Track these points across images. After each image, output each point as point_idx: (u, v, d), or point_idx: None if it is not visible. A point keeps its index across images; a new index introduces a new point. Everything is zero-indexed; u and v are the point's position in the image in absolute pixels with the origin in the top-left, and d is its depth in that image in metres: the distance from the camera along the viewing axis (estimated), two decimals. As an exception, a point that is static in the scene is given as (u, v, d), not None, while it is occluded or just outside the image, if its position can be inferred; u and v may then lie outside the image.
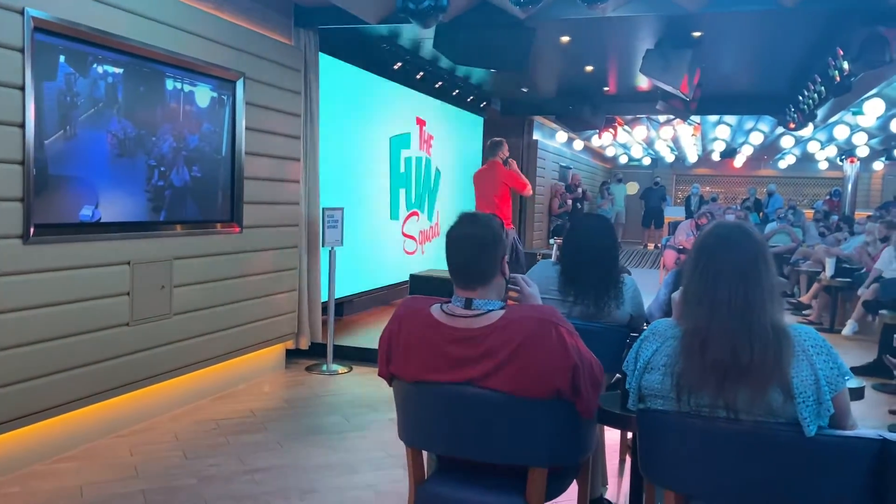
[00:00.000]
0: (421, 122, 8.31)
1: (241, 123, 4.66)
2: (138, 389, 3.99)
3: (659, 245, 15.77)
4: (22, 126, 3.17)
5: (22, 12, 3.14)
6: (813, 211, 14.62)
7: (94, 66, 3.56)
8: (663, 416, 1.87)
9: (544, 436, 2.08)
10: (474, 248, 2.11)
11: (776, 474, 1.71)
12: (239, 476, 3.48)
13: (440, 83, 8.14)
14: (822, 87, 6.02)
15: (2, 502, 3.09)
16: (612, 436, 3.59)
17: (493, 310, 2.09)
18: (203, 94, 4.35)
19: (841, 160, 15.45)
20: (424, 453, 2.32)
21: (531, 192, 7.60)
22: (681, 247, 9.43)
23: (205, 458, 3.67)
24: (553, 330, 2.02)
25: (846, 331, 7.20)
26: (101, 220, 3.65)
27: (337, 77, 6.29)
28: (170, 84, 4.06)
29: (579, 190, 13.77)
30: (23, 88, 3.16)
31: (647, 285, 3.56)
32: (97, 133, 3.61)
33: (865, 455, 1.69)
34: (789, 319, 1.89)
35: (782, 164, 18.69)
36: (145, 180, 3.94)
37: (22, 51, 3.15)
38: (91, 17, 3.49)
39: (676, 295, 2.16)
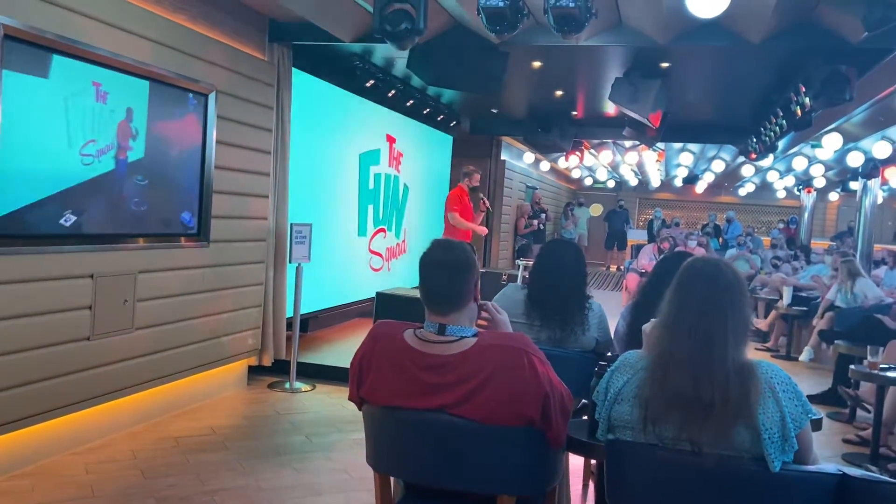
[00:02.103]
0: (391, 140, 8.33)
1: (212, 137, 4.61)
2: (97, 405, 3.89)
3: (621, 267, 16.00)
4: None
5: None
6: (770, 238, 15.01)
7: (65, 74, 3.49)
8: (631, 446, 1.90)
9: (514, 464, 2.09)
10: (448, 274, 2.12)
11: (741, 507, 1.75)
12: (198, 497, 3.41)
13: (411, 101, 8.17)
14: (784, 121, 6.21)
15: (-51, 522, 2.98)
16: (575, 461, 3.61)
17: (466, 336, 2.10)
18: (174, 107, 4.30)
19: (798, 190, 15.89)
20: (392, 479, 2.31)
21: (457, 223, 7.43)
22: (643, 270, 9.58)
23: (163, 478, 3.59)
24: (525, 358, 2.04)
25: (803, 357, 7.38)
26: (66, 232, 3.56)
27: (309, 92, 6.28)
28: (140, 95, 4.00)
29: (543, 216, 13.91)
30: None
31: (609, 308, 3.60)
32: (67, 142, 3.54)
33: (826, 489, 1.74)
34: (748, 346, 1.94)
35: (742, 192, 19.17)
36: (113, 192, 3.86)
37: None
38: (62, 26, 3.43)
39: (647, 326, 2.20)
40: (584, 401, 3.01)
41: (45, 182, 3.48)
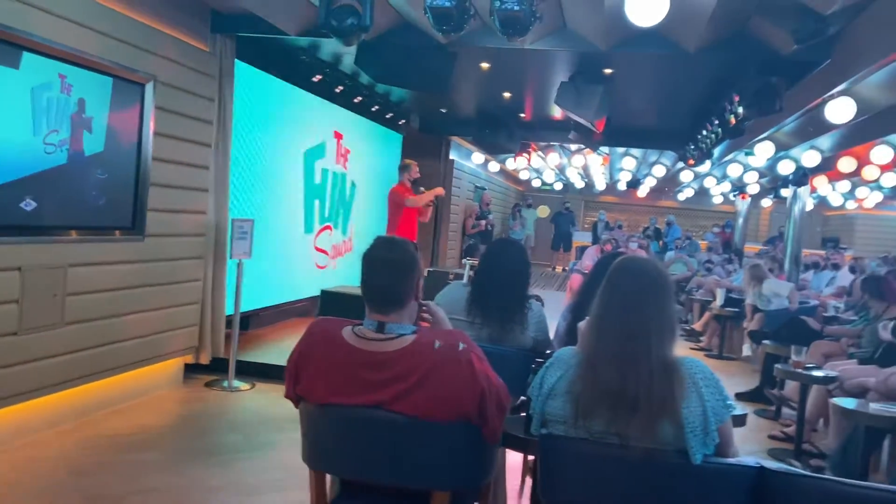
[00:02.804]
0: (338, 136, 8.27)
1: (149, 128, 4.50)
2: (24, 402, 3.75)
3: (567, 268, 16.25)
4: None
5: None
6: (707, 242, 15.47)
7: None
8: (563, 441, 1.94)
9: (449, 459, 2.11)
10: (392, 272, 2.12)
11: (665, 499, 1.81)
12: (129, 497, 3.32)
13: (359, 98, 8.13)
14: (719, 129, 6.41)
15: None
16: (513, 458, 3.66)
17: (405, 334, 2.10)
18: (108, 96, 4.17)
19: (734, 196, 16.45)
20: (328, 476, 2.30)
21: (419, 202, 7.20)
22: (587, 271, 9.75)
23: (93, 476, 3.49)
24: (463, 355, 2.06)
25: (746, 352, 7.69)
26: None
27: (254, 85, 6.18)
28: (71, 83, 3.87)
29: (490, 216, 14.03)
30: None
31: (554, 307, 3.68)
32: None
33: (745, 481, 1.81)
34: (683, 345, 2.00)
35: (681, 196, 19.71)
36: (42, 181, 3.73)
37: None
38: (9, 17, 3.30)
39: (582, 324, 2.25)
40: (522, 398, 3.05)
41: (10, 167, 3.41)
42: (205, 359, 5.44)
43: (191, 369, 5.41)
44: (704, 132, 7.20)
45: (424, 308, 2.33)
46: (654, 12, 3.79)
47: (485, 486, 2.38)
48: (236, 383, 5.33)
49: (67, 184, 3.91)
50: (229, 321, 5.52)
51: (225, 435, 4.32)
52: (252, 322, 6.86)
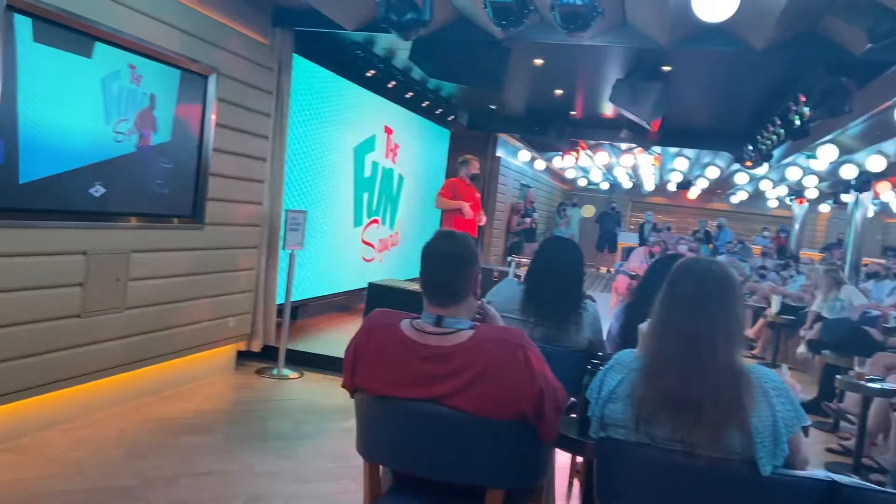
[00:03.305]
0: (388, 131, 8.31)
1: (211, 119, 4.59)
2: (86, 383, 3.87)
3: (612, 269, 16.05)
4: (-14, 104, 3.06)
5: (-6, -12, 3.04)
6: (760, 247, 15.07)
7: (67, 48, 3.46)
8: (622, 445, 1.90)
9: (504, 458, 2.10)
10: (450, 266, 2.12)
11: (731, 510, 1.76)
12: (183, 478, 3.40)
13: (411, 93, 8.15)
14: (782, 130, 6.23)
15: (-68, 494, 2.96)
16: (560, 459, 3.62)
17: (463, 329, 2.10)
18: (175, 87, 4.26)
19: (790, 200, 16.00)
20: (381, 468, 2.31)
21: (442, 205, 7.13)
22: (633, 273, 9.62)
23: (149, 458, 3.58)
24: (521, 353, 2.04)
25: (801, 349, 7.44)
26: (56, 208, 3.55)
27: (309, 79, 6.25)
28: (141, 74, 3.97)
29: (535, 214, 13.93)
30: (-11, 66, 3.06)
31: (600, 308, 3.62)
32: (67, 116, 3.51)
33: (815, 495, 1.75)
34: None
35: (734, 199, 19.26)
36: (111, 168, 3.83)
37: (-9, 27, 3.05)
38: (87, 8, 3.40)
39: (643, 326, 2.21)
40: (572, 399, 3.02)
41: (82, 153, 3.58)
42: (256, 346, 5.54)
43: (243, 356, 5.51)
44: (765, 133, 7.01)
45: (479, 307, 2.33)
46: (723, 8, 3.69)
47: (538, 486, 2.37)
48: (286, 371, 5.41)
49: (134, 171, 4.01)
50: (280, 310, 5.60)
51: (275, 422, 4.39)
52: (301, 312, 6.95)
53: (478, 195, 7.45)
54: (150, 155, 4.12)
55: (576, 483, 3.68)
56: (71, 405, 3.86)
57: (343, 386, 2.26)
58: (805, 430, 2.62)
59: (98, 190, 3.76)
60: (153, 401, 4.47)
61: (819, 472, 1.82)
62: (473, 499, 2.12)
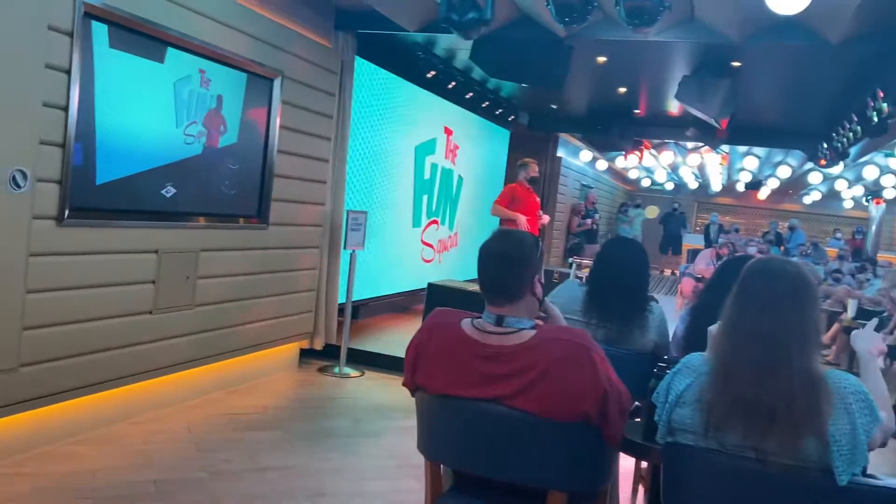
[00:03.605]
0: (448, 132, 8.33)
1: (276, 121, 4.68)
2: (156, 378, 4.00)
3: (676, 272, 15.67)
4: (65, 109, 3.20)
5: (73, -3, 3.17)
6: (836, 249, 14.46)
7: (142, 54, 3.59)
8: (691, 451, 1.84)
9: (568, 460, 2.06)
10: (505, 265, 2.10)
11: (806, 521, 1.68)
12: (249, 473, 3.47)
13: (470, 94, 8.15)
14: (858, 127, 5.96)
15: (16, 482, 3.10)
16: (625, 464, 3.55)
17: (524, 328, 2.07)
18: (242, 91, 4.37)
19: (867, 200, 15.29)
20: (442, 467, 2.31)
21: (497, 213, 6.94)
22: (699, 275, 9.36)
23: (216, 452, 3.67)
24: (585, 354, 2.00)
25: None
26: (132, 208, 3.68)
27: (370, 80, 6.32)
28: (210, 78, 4.08)
29: (596, 215, 13.71)
30: (69, 72, 3.19)
31: (665, 311, 3.53)
32: (140, 119, 3.64)
33: (896, 507, 1.66)
34: None
35: (807, 200, 18.54)
36: (182, 169, 3.96)
37: (71, 34, 3.18)
38: (139, 5, 3.52)
39: (713, 328, 2.13)
40: (636, 403, 2.96)
41: (154, 155, 3.74)
42: (319, 345, 5.63)
43: (305, 354, 5.61)
44: (841, 130, 6.72)
45: (543, 307, 2.30)
46: (797, 0, 3.55)
47: (601, 491, 2.32)
48: (347, 370, 5.48)
49: (203, 173, 4.13)
50: (341, 309, 5.67)
51: (337, 420, 4.44)
52: (361, 312, 7.04)
53: (537, 199, 7.36)
54: (217, 156, 4.23)
55: (640, 489, 3.60)
56: (142, 399, 4.00)
57: (404, 384, 2.27)
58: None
59: (169, 191, 3.88)
60: (220, 396, 4.59)
61: (900, 483, 1.72)
62: (535, 500, 2.10)
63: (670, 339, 3.33)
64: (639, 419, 2.61)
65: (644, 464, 3.31)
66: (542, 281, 2.21)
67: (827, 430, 1.64)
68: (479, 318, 2.14)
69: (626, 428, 2.23)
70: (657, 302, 3.39)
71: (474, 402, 2.07)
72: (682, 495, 1.90)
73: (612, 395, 2.01)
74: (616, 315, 3.10)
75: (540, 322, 2.27)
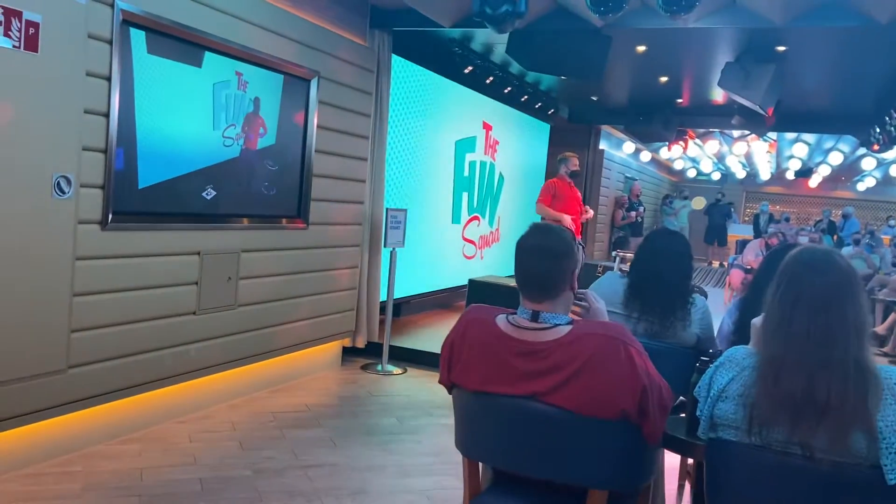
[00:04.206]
0: (487, 127, 8.29)
1: (314, 121, 4.72)
2: (201, 378, 4.07)
3: (724, 263, 15.31)
4: (106, 116, 3.27)
5: (112, 4, 3.24)
6: (889, 237, 13.93)
7: (179, 59, 3.65)
8: (735, 447, 1.78)
9: (607, 457, 2.02)
10: (544, 259, 2.06)
11: (855, 520, 1.61)
12: (293, 470, 3.51)
13: (509, 88, 8.10)
14: (913, 108, 5.72)
15: (65, 480, 3.19)
16: (671, 460, 3.47)
17: (560, 324, 2.04)
18: (279, 92, 4.42)
19: (925, 185, 14.71)
20: (480, 465, 2.28)
21: (542, 213, 6.82)
22: (748, 266, 9.13)
23: (260, 450, 3.72)
24: (622, 349, 1.96)
25: None
26: (175, 211, 3.75)
27: (407, 78, 6.32)
28: (247, 80, 4.13)
29: (641, 208, 13.48)
30: (109, 79, 3.27)
31: (712, 304, 3.43)
32: (179, 123, 3.71)
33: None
34: None
35: (861, 187, 17.90)
36: (221, 171, 4.02)
37: (110, 42, 3.26)
38: (175, 11, 3.58)
39: (757, 321, 2.06)
40: (681, 398, 2.88)
41: (194, 158, 3.82)
42: (361, 343, 5.66)
43: (348, 352, 5.65)
44: (893, 113, 6.46)
45: (581, 295, 2.25)
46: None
47: (644, 488, 2.27)
48: (389, 367, 5.50)
49: (242, 174, 4.19)
50: (383, 307, 5.70)
51: (380, 417, 4.46)
52: (403, 309, 7.06)
53: (579, 193, 7.26)
54: (256, 158, 4.28)
55: (686, 486, 3.52)
56: (187, 399, 4.07)
57: (440, 382, 2.26)
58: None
59: (209, 193, 3.95)
60: (264, 395, 4.65)
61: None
62: (575, 498, 2.06)
63: (717, 334, 3.25)
64: (683, 415, 2.54)
65: (691, 460, 3.23)
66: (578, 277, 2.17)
67: (875, 425, 1.56)
68: (514, 313, 2.11)
69: (669, 424, 2.17)
70: (705, 294, 3.31)
71: (511, 398, 2.04)
72: (724, 492, 1.84)
73: (651, 391, 1.96)
74: (657, 308, 3.03)
75: (576, 317, 2.23)
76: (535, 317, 2.05)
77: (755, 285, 3.03)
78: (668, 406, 2.05)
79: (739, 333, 2.95)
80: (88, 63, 3.17)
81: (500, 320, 2.11)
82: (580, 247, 7.14)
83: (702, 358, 2.45)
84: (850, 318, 1.65)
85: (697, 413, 1.91)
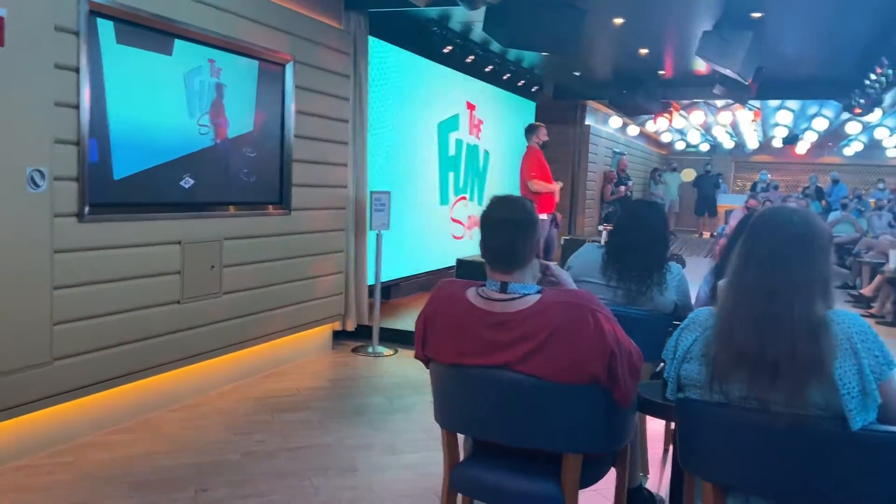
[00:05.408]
0: (471, 107, 8.27)
1: (291, 107, 4.71)
2: (189, 366, 4.10)
3: (714, 234, 15.37)
4: (77, 108, 3.27)
5: (78, -4, 3.23)
6: (875, 200, 14.00)
7: (149, 48, 3.64)
8: (700, 405, 1.82)
9: (580, 422, 2.06)
10: (510, 231, 2.09)
11: (818, 469, 1.65)
12: (282, 452, 3.55)
13: (491, 67, 8.07)
14: (890, 70, 5.73)
15: (58, 470, 3.22)
16: (657, 425, 3.52)
17: (528, 294, 2.07)
18: (254, 78, 4.40)
19: (911, 147, 14.73)
20: (460, 436, 2.32)
21: (540, 188, 7.03)
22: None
23: (251, 435, 3.76)
24: (590, 316, 1.99)
25: None
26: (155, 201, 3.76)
27: (386, 61, 6.30)
28: (220, 67, 4.12)
29: (630, 182, 13.50)
30: (78, 70, 3.26)
31: (701, 275, 3.48)
32: (153, 113, 3.70)
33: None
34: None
35: (848, 152, 17.93)
36: (198, 160, 4.02)
37: (77, 33, 3.24)
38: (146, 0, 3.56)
39: (722, 283, 2.09)
40: (662, 363, 2.92)
41: (170, 147, 3.82)
42: (351, 326, 5.69)
43: (338, 336, 5.68)
44: (873, 76, 6.47)
45: (549, 272, 2.29)
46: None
47: (621, 451, 2.31)
48: (380, 349, 5.53)
49: (220, 162, 4.19)
50: (372, 291, 5.72)
51: (370, 397, 4.50)
52: (393, 292, 7.08)
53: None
54: (233, 145, 4.28)
55: (671, 449, 3.57)
56: (177, 387, 4.10)
57: (416, 357, 2.29)
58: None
59: (188, 182, 3.95)
60: (254, 381, 4.68)
61: (922, 428, 1.67)
62: (553, 464, 2.10)
63: (694, 301, 3.29)
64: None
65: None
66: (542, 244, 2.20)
67: (832, 374, 1.59)
68: (484, 286, 2.14)
69: (646, 388, 2.21)
70: (684, 263, 3.34)
71: (484, 369, 2.08)
72: (694, 450, 1.88)
73: (620, 355, 1.99)
74: (634, 275, 3.08)
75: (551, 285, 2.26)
76: (503, 288, 2.08)
77: (727, 252, 3.07)
78: (639, 369, 2.09)
79: (715, 299, 2.99)
80: (56, 55, 3.16)
81: (471, 293, 2.14)
82: (554, 219, 7.24)
83: (674, 322, 2.48)
84: (797, 275, 1.67)
85: (665, 375, 1.95)
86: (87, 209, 3.34)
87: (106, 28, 3.39)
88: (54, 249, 3.21)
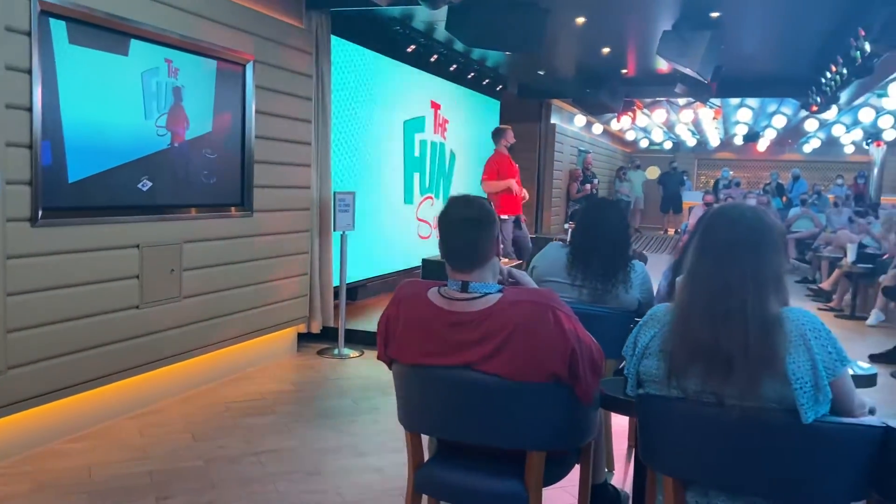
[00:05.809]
0: (436, 106, 8.26)
1: (251, 107, 4.65)
2: (149, 371, 4.02)
3: (679, 230, 15.59)
4: (29, 110, 3.18)
5: (29, -5, 3.14)
6: (833, 196, 14.35)
7: (104, 48, 3.56)
8: (659, 401, 1.84)
9: (542, 420, 2.07)
10: (470, 230, 2.09)
11: (773, 461, 1.68)
12: (246, 458, 3.50)
13: (455, 66, 8.08)
14: (844, 69, 5.87)
15: (14, 481, 3.13)
16: (622, 421, 3.56)
17: (490, 293, 2.07)
18: (213, 78, 4.34)
19: (867, 144, 15.11)
20: (424, 437, 2.32)
21: (491, 189, 7.12)
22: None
23: (213, 440, 3.70)
24: (551, 314, 2.00)
25: (871, 320, 7.07)
26: (111, 204, 3.68)
27: (350, 60, 6.26)
28: (177, 67, 4.05)
29: (596, 180, 13.63)
30: (30, 72, 3.17)
31: (662, 271, 3.52)
32: (109, 114, 3.62)
33: (867, 443, 1.65)
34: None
35: (807, 148, 18.35)
36: (156, 162, 3.94)
37: (29, 34, 3.16)
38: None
39: (680, 278, 2.12)
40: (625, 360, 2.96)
41: (126, 149, 3.74)
42: (316, 328, 5.64)
43: (303, 338, 5.63)
44: (828, 74, 6.63)
45: (510, 278, 2.30)
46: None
47: (584, 448, 2.32)
48: (346, 351, 5.50)
49: (179, 164, 4.11)
50: (337, 292, 5.68)
51: (336, 399, 4.46)
52: (360, 293, 7.04)
53: (516, 166, 7.38)
54: (192, 147, 4.21)
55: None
56: (137, 394, 4.02)
57: (378, 358, 2.28)
58: (871, 378, 2.49)
59: (145, 184, 3.87)
60: (217, 385, 4.62)
61: (872, 419, 1.71)
62: (517, 462, 2.10)
63: (657, 296, 3.33)
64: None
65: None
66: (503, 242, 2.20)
67: (786, 369, 1.62)
68: (445, 285, 2.13)
69: (608, 385, 2.23)
70: (645, 260, 3.38)
71: (446, 369, 2.07)
72: (654, 445, 1.90)
73: (580, 353, 2.01)
74: (598, 274, 3.11)
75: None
76: (464, 287, 2.08)
77: (686, 247, 3.11)
78: (600, 366, 2.10)
79: (673, 295, 3.03)
80: (7, 56, 3.07)
81: (432, 293, 2.13)
82: (518, 220, 7.28)
83: (636, 319, 2.50)
84: (748, 271, 1.70)
85: (625, 372, 1.97)
86: (40, 213, 3.25)
87: (59, 28, 3.30)
88: (7, 255, 3.12)
